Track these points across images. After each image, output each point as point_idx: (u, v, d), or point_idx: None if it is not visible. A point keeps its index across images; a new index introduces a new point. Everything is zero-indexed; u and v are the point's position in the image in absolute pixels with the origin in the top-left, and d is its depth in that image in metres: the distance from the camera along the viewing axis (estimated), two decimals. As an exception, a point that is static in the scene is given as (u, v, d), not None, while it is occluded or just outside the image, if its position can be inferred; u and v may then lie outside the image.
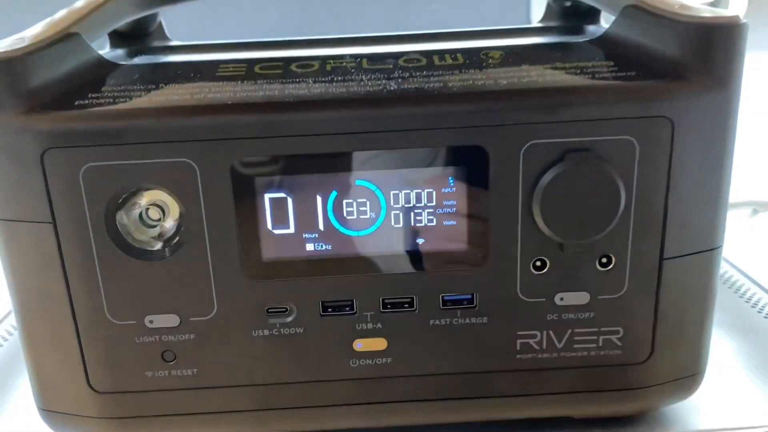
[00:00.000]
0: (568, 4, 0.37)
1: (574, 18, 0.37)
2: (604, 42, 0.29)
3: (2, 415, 0.35)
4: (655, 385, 0.30)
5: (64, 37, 0.28)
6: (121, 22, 0.32)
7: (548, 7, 0.39)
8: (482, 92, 0.26)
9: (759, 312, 0.41)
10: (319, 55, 0.30)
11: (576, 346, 0.30)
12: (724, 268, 0.45)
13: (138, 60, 0.32)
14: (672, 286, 0.29)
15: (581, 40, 0.31)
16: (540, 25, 0.38)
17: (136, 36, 0.38)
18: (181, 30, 0.40)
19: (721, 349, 0.38)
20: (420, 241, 0.28)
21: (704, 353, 0.31)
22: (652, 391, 0.31)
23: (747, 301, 0.43)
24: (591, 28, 0.35)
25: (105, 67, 0.29)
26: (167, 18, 0.39)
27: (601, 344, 0.30)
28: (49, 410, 0.31)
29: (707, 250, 0.29)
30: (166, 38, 0.39)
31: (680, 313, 0.30)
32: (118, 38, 0.37)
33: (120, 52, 0.36)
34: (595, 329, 0.29)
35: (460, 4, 0.65)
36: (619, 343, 0.30)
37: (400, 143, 0.27)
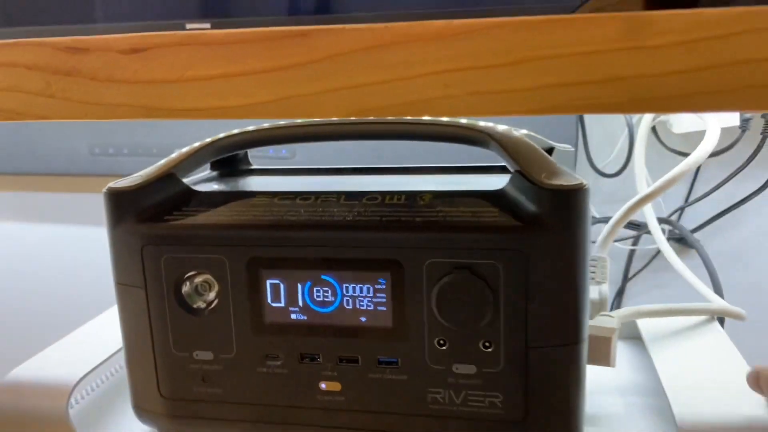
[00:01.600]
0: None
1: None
2: (501, 194, 0.42)
3: (125, 411, 0.53)
4: (532, 441, 0.42)
5: (164, 177, 0.46)
6: (207, 163, 0.50)
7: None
8: (401, 225, 0.41)
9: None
10: (318, 191, 0.46)
11: (470, 403, 0.42)
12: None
13: (214, 186, 0.50)
14: (538, 368, 0.41)
15: (500, 187, 0.44)
16: (502, 164, 0.52)
17: (228, 162, 0.57)
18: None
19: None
20: (363, 319, 0.43)
21: (575, 421, 0.42)
22: (530, 444, 0.42)
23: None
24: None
25: (189, 194, 0.47)
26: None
27: (487, 404, 0.42)
28: (137, 407, 0.48)
29: (567, 344, 0.40)
30: (249, 163, 0.58)
31: (547, 388, 0.41)
32: (215, 163, 0.56)
33: (214, 173, 0.55)
34: (482, 393, 0.42)
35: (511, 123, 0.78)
36: (500, 405, 0.42)
37: (348, 255, 0.42)
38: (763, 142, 0.76)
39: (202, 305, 0.45)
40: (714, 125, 0.60)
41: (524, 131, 0.50)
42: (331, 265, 0.42)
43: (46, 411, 0.48)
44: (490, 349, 0.41)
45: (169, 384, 0.46)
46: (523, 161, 0.42)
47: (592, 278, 0.53)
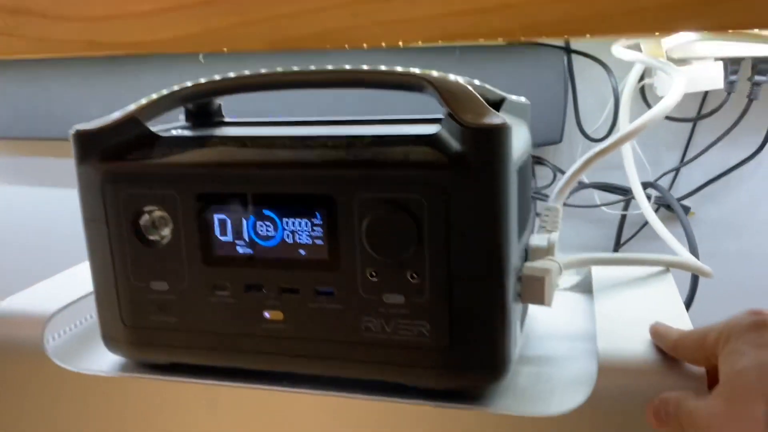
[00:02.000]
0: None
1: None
2: (435, 136, 0.44)
3: (100, 346, 0.57)
4: (458, 369, 0.44)
5: (128, 120, 0.49)
6: (168, 112, 0.53)
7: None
8: (335, 163, 0.43)
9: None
10: (268, 135, 0.48)
11: (400, 331, 0.44)
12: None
13: (175, 132, 0.53)
14: (461, 299, 0.43)
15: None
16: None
17: (201, 113, 0.60)
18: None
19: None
20: (302, 252, 0.45)
21: (500, 354, 0.44)
22: (457, 373, 0.44)
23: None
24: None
25: (150, 137, 0.50)
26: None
27: (415, 333, 0.44)
28: (104, 336, 0.52)
29: (488, 277, 0.42)
30: (221, 115, 0.61)
31: (471, 319, 0.43)
32: (189, 114, 0.59)
33: (187, 123, 0.58)
34: (410, 321, 0.44)
35: (499, 74, 0.78)
36: (427, 334, 0.44)
37: (288, 190, 0.44)
38: (749, 105, 0.76)
39: (158, 238, 0.48)
40: (679, 81, 0.60)
41: (477, 82, 0.52)
42: (272, 201, 0.45)
43: (24, 340, 0.52)
44: (416, 281, 0.43)
45: (130, 313, 0.50)
46: (454, 104, 0.43)
47: (543, 227, 0.55)
